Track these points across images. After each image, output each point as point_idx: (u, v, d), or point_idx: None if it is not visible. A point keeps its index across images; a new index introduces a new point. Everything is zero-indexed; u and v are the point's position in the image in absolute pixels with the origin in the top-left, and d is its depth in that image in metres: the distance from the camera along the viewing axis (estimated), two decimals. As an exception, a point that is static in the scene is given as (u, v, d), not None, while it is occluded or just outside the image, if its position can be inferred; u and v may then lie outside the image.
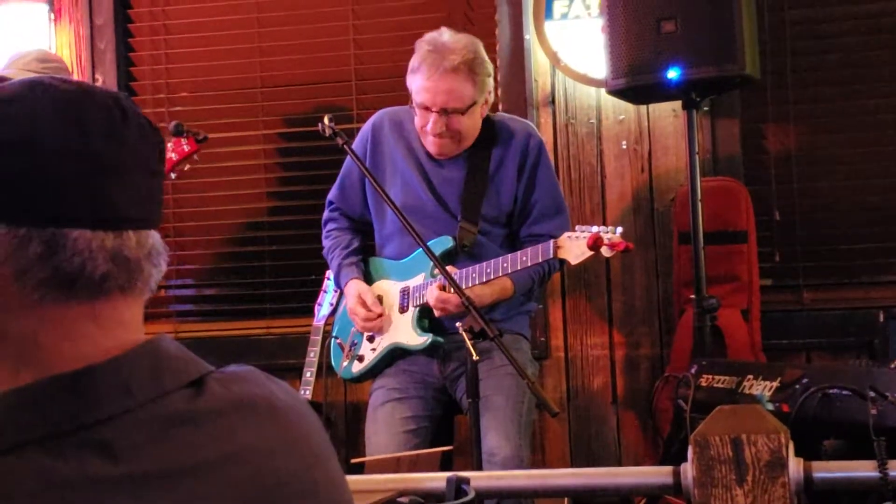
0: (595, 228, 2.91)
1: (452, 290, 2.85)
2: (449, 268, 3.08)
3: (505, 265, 3.02)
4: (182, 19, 4.50)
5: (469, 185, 3.23)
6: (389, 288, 3.29)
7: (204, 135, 3.65)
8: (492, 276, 3.04)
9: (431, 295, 3.11)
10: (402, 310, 3.25)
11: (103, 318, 0.94)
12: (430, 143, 3.21)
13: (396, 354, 3.27)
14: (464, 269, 3.07)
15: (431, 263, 3.17)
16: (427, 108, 3.14)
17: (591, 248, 2.87)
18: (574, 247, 2.92)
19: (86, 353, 0.92)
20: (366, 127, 3.38)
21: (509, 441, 3.06)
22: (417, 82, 3.15)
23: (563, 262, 3.10)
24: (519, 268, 3.01)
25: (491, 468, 2.90)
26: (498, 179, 3.24)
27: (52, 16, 4.42)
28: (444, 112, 3.12)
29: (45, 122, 0.91)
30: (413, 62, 3.18)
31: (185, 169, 3.79)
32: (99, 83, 4.42)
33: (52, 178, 0.90)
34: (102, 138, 0.93)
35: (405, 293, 3.26)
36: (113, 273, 0.93)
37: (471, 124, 3.20)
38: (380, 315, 3.24)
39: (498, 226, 3.27)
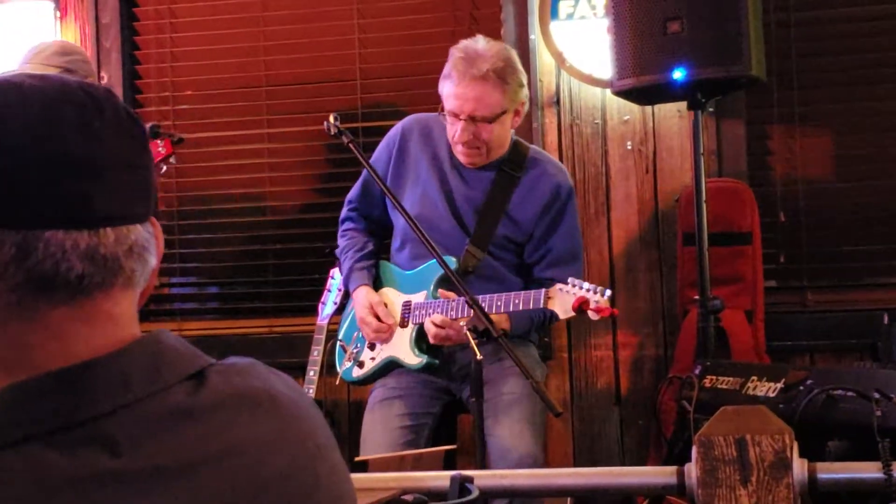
0: (586, 286, 2.90)
1: (466, 299, 2.82)
2: (451, 293, 3.10)
3: (498, 304, 2.98)
4: (188, 18, 4.51)
5: (487, 208, 3.20)
6: (394, 298, 3.28)
7: (179, 136, 3.63)
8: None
9: (430, 329, 3.11)
10: (403, 324, 3.24)
11: (90, 316, 0.92)
12: (459, 153, 3.17)
13: (393, 367, 3.27)
14: (459, 299, 3.04)
15: (435, 280, 3.18)
16: (455, 115, 3.10)
17: (575, 311, 2.87)
18: (564, 301, 2.91)
19: (77, 351, 0.91)
20: (394, 130, 3.33)
21: (524, 440, 3.05)
22: (447, 89, 3.12)
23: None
24: (511, 309, 2.97)
25: (505, 467, 2.91)
26: (518, 211, 3.20)
27: (58, 13, 4.42)
28: (471, 120, 3.08)
29: (13, 123, 0.90)
30: (445, 68, 3.14)
31: (162, 171, 3.78)
32: (104, 81, 4.43)
33: (20, 180, 0.89)
34: (75, 136, 0.91)
35: (407, 307, 3.24)
36: (89, 272, 0.91)
37: (499, 134, 3.15)
38: (390, 326, 3.23)
39: (509, 252, 3.24)
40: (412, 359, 3.22)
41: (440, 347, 3.20)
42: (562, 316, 2.94)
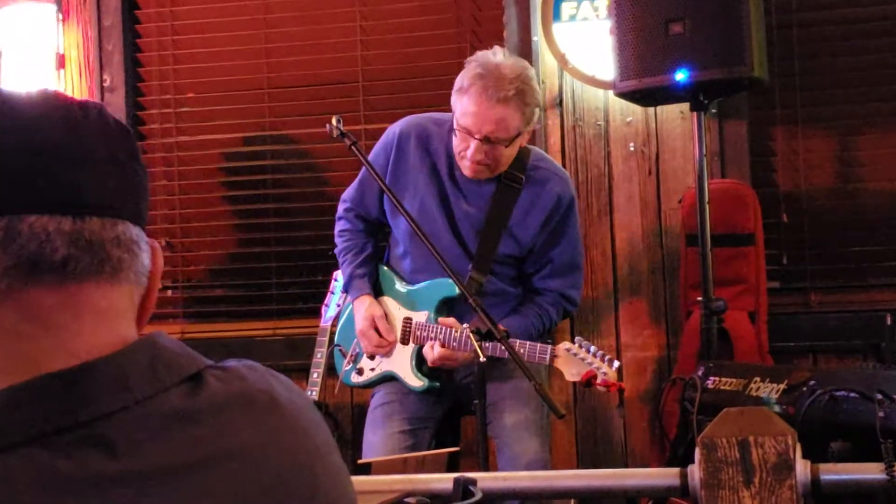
0: (592, 351, 2.93)
1: (470, 300, 2.82)
2: (451, 319, 3.11)
3: (503, 349, 2.89)
4: (190, 20, 4.51)
5: (488, 227, 3.13)
6: (394, 311, 3.25)
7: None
8: (488, 353, 2.90)
9: (429, 356, 3.12)
10: (404, 341, 3.22)
11: (79, 308, 0.92)
12: (466, 168, 3.07)
13: (392, 378, 3.26)
14: (461, 330, 3.01)
15: (437, 303, 3.17)
16: (470, 134, 2.99)
17: (584, 384, 2.94)
18: (571, 365, 2.94)
19: (69, 346, 0.91)
20: (390, 134, 3.22)
21: (535, 443, 3.06)
22: (464, 105, 2.98)
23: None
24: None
25: (517, 470, 2.91)
26: (519, 227, 3.15)
27: (60, 16, 4.43)
28: (486, 140, 2.98)
29: None
30: (462, 81, 3.00)
31: None
32: (107, 84, 4.44)
33: (3, 168, 0.90)
34: (59, 129, 0.93)
35: (408, 325, 3.21)
36: (75, 256, 0.92)
37: (510, 155, 3.08)
38: (390, 343, 3.22)
39: (510, 267, 3.21)
40: (413, 381, 3.21)
41: (440, 368, 3.19)
42: (567, 378, 2.99)
